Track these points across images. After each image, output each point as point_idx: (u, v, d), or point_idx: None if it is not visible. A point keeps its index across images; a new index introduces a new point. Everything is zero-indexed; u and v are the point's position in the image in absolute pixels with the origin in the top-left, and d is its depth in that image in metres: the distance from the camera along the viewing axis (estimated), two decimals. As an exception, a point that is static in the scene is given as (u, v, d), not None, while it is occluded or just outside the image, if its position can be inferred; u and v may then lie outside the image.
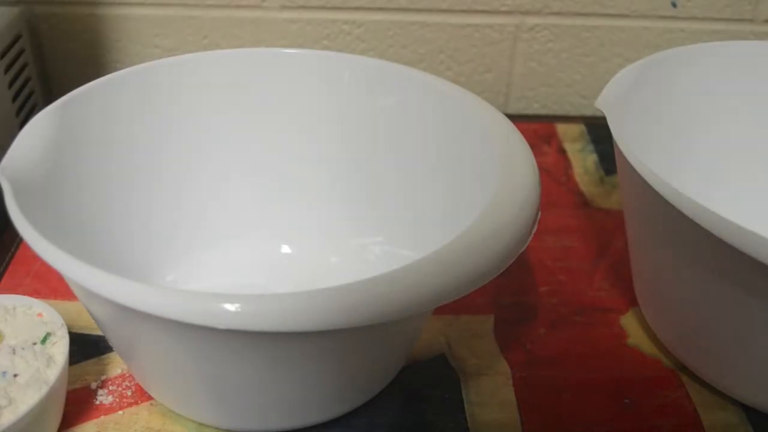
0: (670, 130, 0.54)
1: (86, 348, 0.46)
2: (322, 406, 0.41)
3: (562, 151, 0.68)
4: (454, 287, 0.33)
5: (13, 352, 0.39)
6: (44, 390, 0.38)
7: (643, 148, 0.47)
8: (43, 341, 0.40)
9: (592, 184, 0.64)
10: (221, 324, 0.31)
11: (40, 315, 0.42)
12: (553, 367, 0.47)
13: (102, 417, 0.42)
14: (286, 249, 0.53)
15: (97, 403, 0.43)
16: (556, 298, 0.52)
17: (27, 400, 0.37)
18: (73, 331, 0.47)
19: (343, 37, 0.72)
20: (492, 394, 0.45)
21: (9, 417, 0.36)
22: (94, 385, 0.44)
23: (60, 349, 0.40)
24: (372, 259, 0.51)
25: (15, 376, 0.38)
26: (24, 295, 0.44)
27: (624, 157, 0.42)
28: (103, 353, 0.46)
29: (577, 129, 0.71)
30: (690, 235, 0.39)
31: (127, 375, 0.45)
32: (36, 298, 0.43)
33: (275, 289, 0.50)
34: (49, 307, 0.42)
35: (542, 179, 0.48)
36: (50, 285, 0.51)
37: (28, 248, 0.43)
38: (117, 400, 0.43)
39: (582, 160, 0.67)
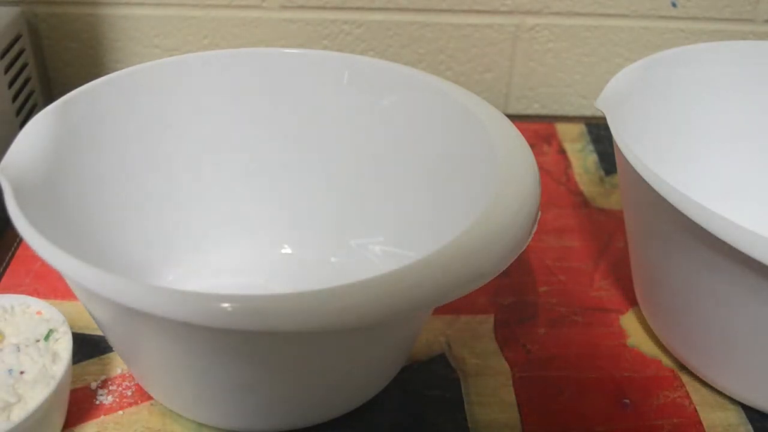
0: (670, 130, 0.54)
1: (86, 348, 0.46)
2: (322, 406, 0.41)
3: (562, 151, 0.68)
4: (454, 287, 0.33)
5: (18, 349, 0.39)
6: (52, 385, 0.38)
7: (643, 148, 0.47)
8: (47, 338, 0.40)
9: (592, 184, 0.64)
10: (221, 324, 0.31)
11: (39, 313, 0.42)
12: (553, 367, 0.47)
13: (102, 417, 0.42)
14: (286, 249, 0.53)
15: (98, 403, 0.43)
16: (556, 298, 0.52)
17: (36, 396, 0.37)
18: (74, 331, 0.47)
19: (343, 37, 0.72)
20: (492, 394, 0.45)
21: (19, 414, 0.37)
22: (94, 385, 0.44)
23: (64, 345, 0.40)
24: (372, 259, 0.51)
25: (21, 373, 0.38)
26: (24, 294, 0.44)
27: (624, 157, 0.42)
28: (103, 353, 0.46)
29: (577, 129, 0.71)
30: (690, 234, 0.39)
31: (127, 375, 0.45)
32: (36, 297, 0.43)
33: (275, 289, 0.50)
34: (48, 304, 0.42)
35: (542, 179, 0.48)
36: (50, 285, 0.51)
37: (28, 248, 0.43)
38: (117, 400, 0.43)
39: (582, 160, 0.67)
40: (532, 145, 0.43)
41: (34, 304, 0.42)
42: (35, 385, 0.38)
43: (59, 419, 0.41)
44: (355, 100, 0.50)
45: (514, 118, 0.55)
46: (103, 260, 0.43)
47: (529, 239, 0.37)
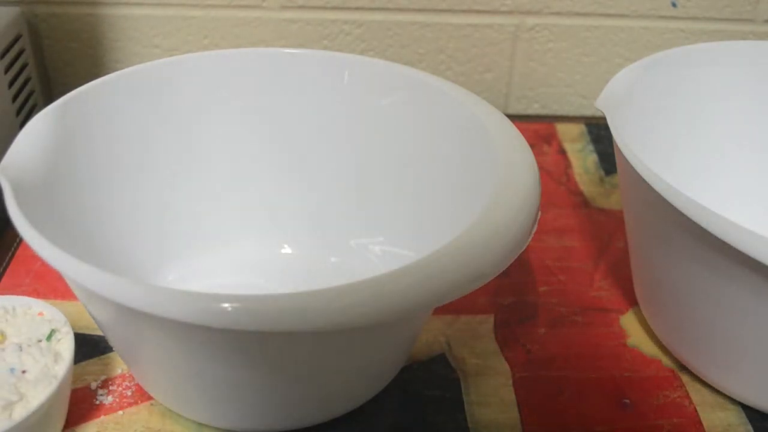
0: (670, 130, 0.54)
1: (86, 348, 0.46)
2: (322, 406, 0.41)
3: (562, 151, 0.68)
4: (454, 287, 0.33)
5: (20, 349, 0.40)
6: (54, 385, 0.38)
7: (643, 148, 0.47)
8: (49, 338, 0.41)
9: (592, 184, 0.64)
10: (220, 324, 0.31)
11: (41, 314, 0.42)
12: (553, 367, 0.47)
13: (102, 417, 0.42)
14: (286, 249, 0.53)
15: (98, 403, 0.43)
16: (556, 298, 0.52)
17: (38, 395, 0.38)
18: (74, 331, 0.47)
19: (343, 37, 0.72)
20: (492, 394, 0.45)
21: (21, 412, 0.37)
22: (94, 385, 0.44)
23: (66, 345, 0.40)
24: (372, 259, 0.51)
25: (23, 372, 0.39)
26: (24, 295, 0.44)
27: (624, 157, 0.42)
28: (104, 353, 0.46)
29: (577, 129, 0.71)
30: (690, 234, 0.39)
31: (127, 375, 0.45)
32: (36, 297, 0.43)
33: (275, 289, 0.50)
34: (49, 305, 0.42)
35: (542, 179, 0.48)
36: (50, 285, 0.51)
37: (28, 248, 0.43)
38: (117, 400, 0.43)
39: (582, 160, 0.67)
40: (532, 145, 0.43)
41: (36, 305, 0.42)
42: (37, 384, 0.38)
43: (60, 418, 0.41)
44: (355, 100, 0.50)
45: (514, 118, 0.55)
46: (102, 260, 0.43)
47: (529, 239, 0.37)
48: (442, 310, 0.50)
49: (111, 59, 0.72)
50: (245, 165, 0.52)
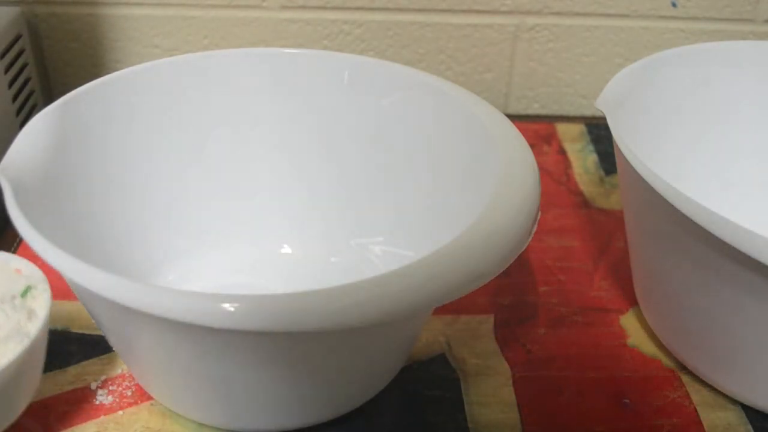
0: (669, 130, 0.54)
1: (86, 348, 0.46)
2: (322, 406, 0.41)
3: (562, 151, 0.68)
4: (454, 287, 0.33)
5: None
6: (26, 343, 0.36)
7: (642, 148, 0.47)
8: (24, 294, 0.39)
9: (592, 184, 0.64)
10: (221, 324, 0.31)
11: (18, 271, 0.40)
12: (553, 367, 0.47)
13: (102, 417, 0.42)
14: (286, 249, 0.53)
15: (97, 403, 0.43)
16: (556, 298, 0.52)
17: (7, 353, 0.36)
18: (73, 330, 0.47)
19: (343, 37, 0.72)
20: (492, 394, 0.45)
21: None
22: (94, 385, 0.44)
23: (41, 303, 0.38)
24: (372, 259, 0.51)
25: None
26: (2, 251, 0.42)
27: (624, 157, 0.42)
28: (103, 353, 0.46)
29: (577, 129, 0.71)
30: (690, 235, 0.39)
31: (127, 375, 0.45)
32: (18, 256, 0.41)
33: (275, 289, 0.50)
34: (28, 262, 0.41)
35: (542, 179, 0.48)
36: (50, 285, 0.50)
37: (28, 248, 0.43)
38: (117, 400, 0.43)
39: (582, 160, 0.67)
40: (532, 145, 0.43)
41: (14, 261, 0.41)
42: (8, 341, 0.36)
43: (33, 380, 0.39)
44: (355, 100, 0.50)
45: (514, 118, 0.55)
46: (103, 260, 0.43)
47: (529, 239, 0.37)
48: (442, 310, 0.50)
49: (111, 59, 0.72)
50: (245, 165, 0.52)
